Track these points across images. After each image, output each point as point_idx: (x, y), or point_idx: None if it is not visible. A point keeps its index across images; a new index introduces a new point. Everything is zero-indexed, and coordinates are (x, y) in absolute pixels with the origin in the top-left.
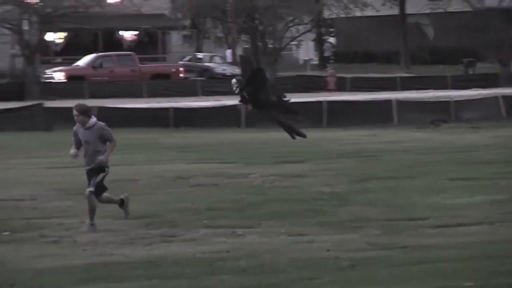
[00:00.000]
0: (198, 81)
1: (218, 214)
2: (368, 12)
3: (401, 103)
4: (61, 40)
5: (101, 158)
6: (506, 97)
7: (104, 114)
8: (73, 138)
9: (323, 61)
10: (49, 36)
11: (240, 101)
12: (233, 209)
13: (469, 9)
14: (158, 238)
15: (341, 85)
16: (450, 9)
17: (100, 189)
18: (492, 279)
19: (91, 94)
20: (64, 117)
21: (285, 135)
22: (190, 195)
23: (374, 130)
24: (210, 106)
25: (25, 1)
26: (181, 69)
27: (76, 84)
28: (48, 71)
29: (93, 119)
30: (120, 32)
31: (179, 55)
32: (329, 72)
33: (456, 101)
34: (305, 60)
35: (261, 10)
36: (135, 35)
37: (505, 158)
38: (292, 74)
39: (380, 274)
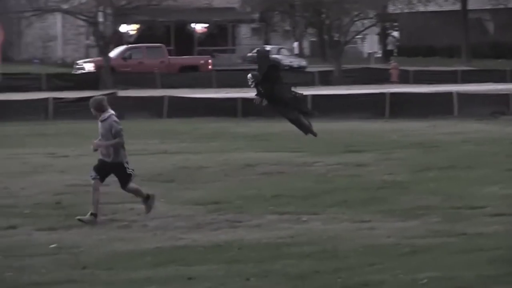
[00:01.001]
0: None
1: (283, 201)
2: (431, 8)
3: (462, 95)
4: (134, 32)
5: (96, 141)
6: None
7: (175, 103)
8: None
9: (387, 54)
10: (123, 28)
11: (256, 95)
12: (298, 196)
13: None
14: (225, 224)
15: (404, 78)
16: (510, 5)
17: (126, 179)
18: None
19: (163, 84)
20: (135, 106)
21: (350, 126)
22: (257, 182)
23: (435, 122)
24: None
25: None
26: (209, 61)
27: (148, 74)
28: (79, 62)
29: (107, 113)
30: (192, 25)
31: (247, 47)
32: (392, 65)
33: None
34: (369, 53)
35: (328, 5)
36: (205, 27)
37: None
38: (357, 66)
39: (440, 260)
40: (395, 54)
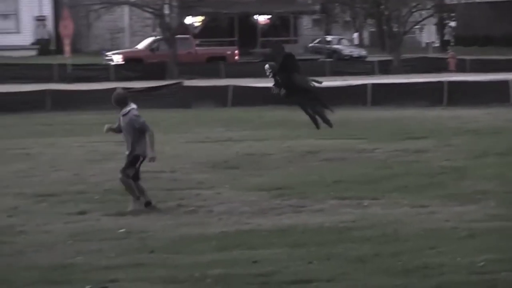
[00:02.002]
0: (326, 62)
1: (344, 187)
2: None
3: None
4: (199, 24)
5: (151, 155)
6: None
7: (239, 93)
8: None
9: (444, 44)
10: (188, 20)
11: (274, 85)
12: (358, 181)
13: None
14: (288, 209)
15: (461, 67)
16: None
17: (128, 169)
18: None
19: (227, 74)
20: (201, 95)
21: (409, 114)
22: (318, 168)
23: (491, 109)
24: (337, 86)
25: None
26: (236, 51)
27: (214, 64)
28: (108, 54)
29: (128, 107)
30: (255, 16)
31: (309, 38)
32: (450, 54)
33: None
34: (427, 43)
35: None
36: (268, 19)
37: None
38: (415, 56)
39: (498, 243)
40: (452, 44)
